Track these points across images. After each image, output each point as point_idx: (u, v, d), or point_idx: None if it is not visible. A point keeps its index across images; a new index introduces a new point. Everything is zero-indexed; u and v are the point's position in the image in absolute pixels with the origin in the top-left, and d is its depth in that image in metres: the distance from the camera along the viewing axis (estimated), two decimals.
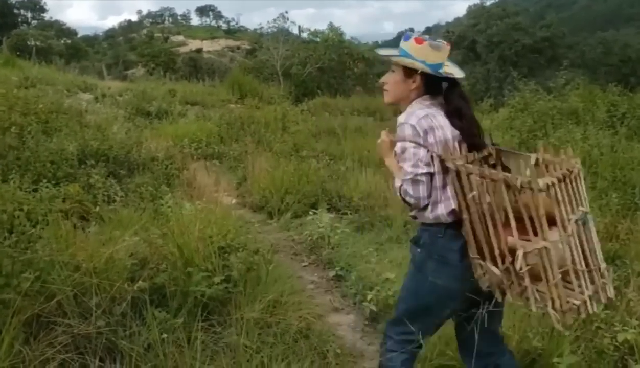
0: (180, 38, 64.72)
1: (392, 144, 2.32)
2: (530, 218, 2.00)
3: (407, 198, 2.21)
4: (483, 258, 2.15)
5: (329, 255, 4.83)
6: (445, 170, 2.21)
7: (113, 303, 3.12)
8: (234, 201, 6.62)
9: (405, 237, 5.29)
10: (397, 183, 2.25)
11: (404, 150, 2.22)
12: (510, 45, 32.38)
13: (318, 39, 25.57)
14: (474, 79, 29.58)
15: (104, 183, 5.55)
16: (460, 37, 33.99)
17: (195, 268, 3.45)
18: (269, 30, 29.39)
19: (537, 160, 2.15)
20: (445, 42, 2.33)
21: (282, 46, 23.89)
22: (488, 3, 39.63)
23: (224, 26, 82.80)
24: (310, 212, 5.58)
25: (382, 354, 2.53)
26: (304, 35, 28.41)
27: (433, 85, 2.33)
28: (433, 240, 2.29)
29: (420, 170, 2.19)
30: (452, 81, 2.34)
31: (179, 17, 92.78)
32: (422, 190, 2.20)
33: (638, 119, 10.61)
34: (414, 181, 2.19)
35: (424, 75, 2.30)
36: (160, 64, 37.31)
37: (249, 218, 5.93)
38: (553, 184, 1.98)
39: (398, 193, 2.26)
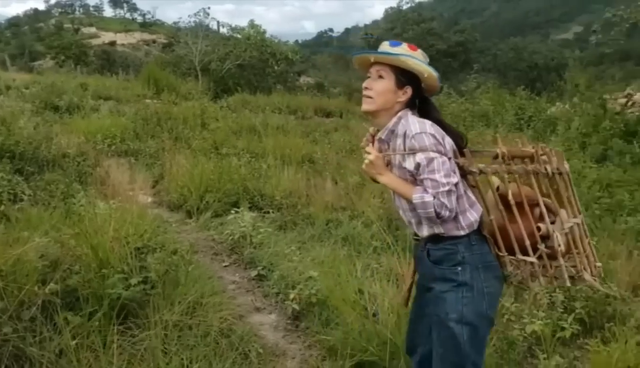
0: (93, 30, 62.01)
1: (384, 158, 2.17)
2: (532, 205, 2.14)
3: (443, 212, 2.02)
4: (513, 253, 2.17)
5: (251, 255, 4.78)
6: (463, 175, 2.14)
7: (21, 307, 2.94)
8: (150, 200, 6.42)
9: (326, 235, 5.33)
10: (428, 198, 2.02)
11: (430, 161, 2.02)
12: (425, 49, 33.28)
13: (239, 36, 25.33)
14: None
15: (10, 180, 5.22)
16: (378, 41, 34.74)
17: (110, 269, 3.31)
18: (188, 24, 28.79)
19: (500, 154, 2.15)
20: None
21: (202, 41, 23.45)
22: (405, 7, 40.71)
23: (139, 19, 79.95)
24: (232, 211, 5.49)
25: None
26: (224, 30, 28.07)
27: (414, 100, 2.20)
28: (471, 250, 2.13)
29: (454, 180, 2.04)
30: (424, 98, 2.23)
31: (91, 8, 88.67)
32: (454, 200, 2.05)
33: (543, 121, 11.28)
34: (449, 192, 2.02)
35: (414, 87, 2.16)
36: (71, 57, 35.62)
37: (167, 218, 5.77)
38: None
39: (431, 209, 2.02)
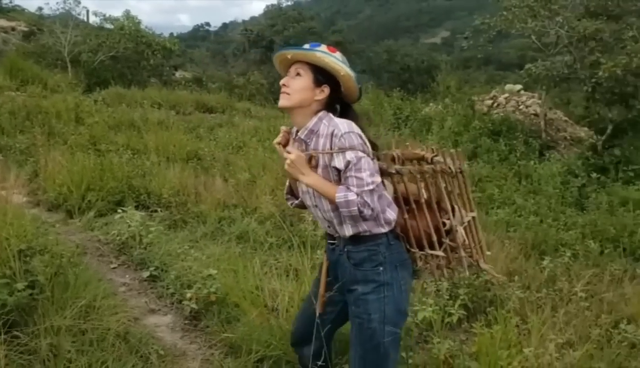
0: None
1: (307, 158, 2.15)
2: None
3: (366, 210, 2.04)
4: (423, 248, 2.26)
5: (141, 255, 4.58)
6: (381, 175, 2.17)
7: None
8: (25, 199, 5.95)
9: (219, 233, 5.26)
10: (351, 196, 2.04)
11: (358, 160, 2.04)
12: None
13: (111, 26, 24.07)
14: (272, 78, 30.35)
15: None
16: (258, 36, 34.66)
17: None
18: (54, 12, 26.86)
19: (395, 157, 2.26)
20: None
21: (72, 31, 21.99)
22: (284, 5, 41.01)
23: None
24: (119, 211, 5.22)
25: None
26: (96, 20, 26.54)
27: (332, 102, 2.22)
28: (390, 250, 2.20)
29: (377, 179, 2.08)
30: (344, 103, 2.26)
31: None
32: (377, 199, 2.08)
33: (419, 121, 11.90)
34: (372, 191, 2.05)
35: (332, 88, 2.19)
36: None
37: (45, 218, 5.37)
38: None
39: (354, 207, 2.04)
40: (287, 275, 3.94)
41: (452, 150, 2.36)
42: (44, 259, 3.44)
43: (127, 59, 22.74)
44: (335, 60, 2.16)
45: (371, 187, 2.05)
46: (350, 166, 2.05)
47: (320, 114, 2.18)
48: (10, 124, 9.05)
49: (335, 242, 2.28)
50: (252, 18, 62.88)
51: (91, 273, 3.87)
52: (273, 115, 15.21)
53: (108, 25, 25.08)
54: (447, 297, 4.02)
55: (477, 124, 11.22)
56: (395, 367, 2.29)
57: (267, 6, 43.04)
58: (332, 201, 2.11)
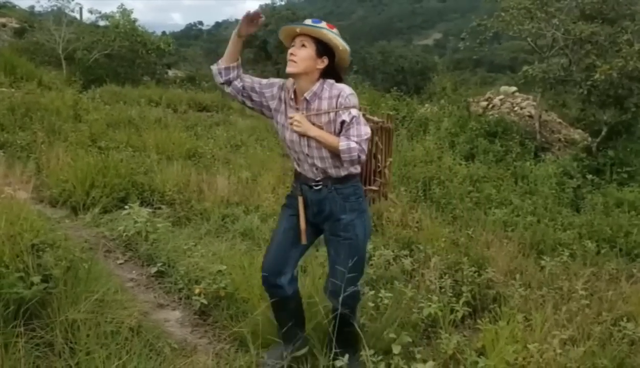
0: None
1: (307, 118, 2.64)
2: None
3: (362, 155, 2.59)
4: (365, 184, 3.02)
5: (148, 251, 4.62)
6: None
7: None
8: (28, 195, 5.95)
9: (223, 230, 5.31)
10: (353, 144, 2.56)
11: (359, 115, 2.61)
12: None
13: (107, 23, 23.97)
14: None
15: None
16: (252, 36, 34.61)
17: (5, 268, 3.07)
18: (46, 9, 26.70)
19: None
20: None
21: (66, 28, 21.90)
22: (278, 4, 40.93)
23: None
24: (126, 207, 5.25)
25: (352, 311, 2.87)
26: (92, 17, 26.38)
27: (329, 72, 2.69)
28: (361, 186, 2.87)
29: (369, 131, 2.63)
30: (337, 75, 2.72)
31: None
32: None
33: (415, 121, 11.98)
34: (366, 140, 2.61)
35: (330, 59, 2.66)
36: None
37: (50, 214, 5.40)
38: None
39: (355, 153, 2.57)
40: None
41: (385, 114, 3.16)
42: (57, 254, 3.48)
43: (122, 57, 22.67)
44: (335, 36, 2.64)
45: (367, 137, 2.61)
46: (353, 120, 2.58)
47: (322, 80, 2.67)
48: (9, 120, 9.03)
49: (321, 182, 2.77)
50: None
51: (101, 268, 3.90)
52: None
53: (103, 23, 24.96)
54: (451, 294, 4.09)
55: (473, 125, 11.32)
56: None
57: (261, 6, 42.91)
58: (334, 149, 2.61)
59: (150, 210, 5.54)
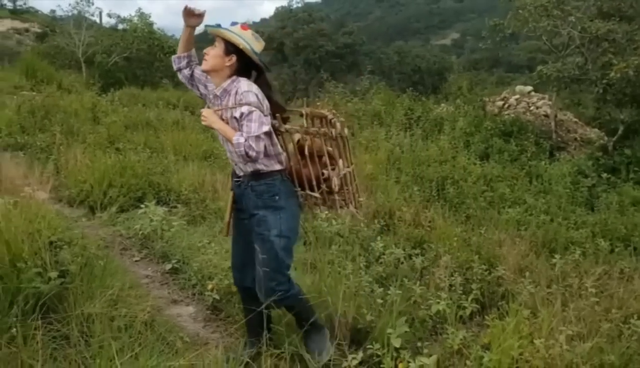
0: None
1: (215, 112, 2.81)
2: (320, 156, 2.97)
3: (250, 152, 2.64)
4: (304, 189, 3.01)
5: (163, 249, 4.73)
6: (275, 132, 2.91)
7: None
8: (47, 196, 6.10)
9: None
10: (241, 139, 2.65)
11: (250, 113, 2.68)
12: (315, 49, 33.97)
13: (126, 27, 24.30)
14: (281, 80, 30.55)
15: None
16: (269, 38, 34.77)
17: (24, 264, 3.19)
18: (66, 13, 27.13)
19: (304, 113, 2.94)
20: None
21: (85, 32, 22.24)
22: (295, 6, 41.05)
23: (9, 5, 74.12)
24: (142, 206, 5.37)
25: (291, 301, 3.01)
26: (112, 21, 26.76)
27: (245, 69, 2.85)
28: (284, 184, 2.92)
29: (264, 129, 2.69)
30: (260, 71, 2.88)
31: None
32: (262, 146, 2.69)
33: (430, 121, 11.98)
34: (257, 138, 2.66)
35: (239, 57, 2.79)
36: None
37: (68, 214, 5.54)
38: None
39: (242, 148, 2.65)
40: (304, 269, 4.07)
41: (341, 119, 2.98)
42: (73, 251, 3.59)
43: (141, 60, 22.92)
44: (235, 36, 2.76)
45: (256, 134, 2.66)
46: (243, 116, 2.69)
47: (233, 77, 2.81)
48: (29, 122, 9.23)
49: (241, 178, 2.93)
50: (263, 20, 63.04)
51: (116, 264, 4.01)
52: None
53: (122, 26, 25.28)
54: (461, 292, 4.13)
55: (488, 125, 11.29)
56: (289, 270, 3.01)
57: (277, 8, 43.13)
58: (231, 142, 2.73)
59: (166, 209, 5.66)
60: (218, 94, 2.84)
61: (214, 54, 2.81)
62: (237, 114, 2.72)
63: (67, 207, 5.96)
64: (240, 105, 2.70)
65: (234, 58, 2.79)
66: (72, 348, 2.87)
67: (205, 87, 2.99)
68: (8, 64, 23.08)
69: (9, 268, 3.14)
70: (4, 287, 3.04)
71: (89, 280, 3.42)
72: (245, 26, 2.85)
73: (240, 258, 3.10)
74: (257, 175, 2.86)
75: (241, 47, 2.76)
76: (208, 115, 2.80)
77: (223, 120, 2.80)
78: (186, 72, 3.03)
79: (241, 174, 2.93)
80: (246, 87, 2.74)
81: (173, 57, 3.04)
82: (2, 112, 9.71)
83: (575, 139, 12.74)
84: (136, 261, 4.70)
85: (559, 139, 12.44)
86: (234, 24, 2.83)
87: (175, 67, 3.04)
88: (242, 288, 3.14)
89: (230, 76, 2.82)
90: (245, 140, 2.64)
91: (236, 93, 2.75)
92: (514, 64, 55.75)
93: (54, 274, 3.16)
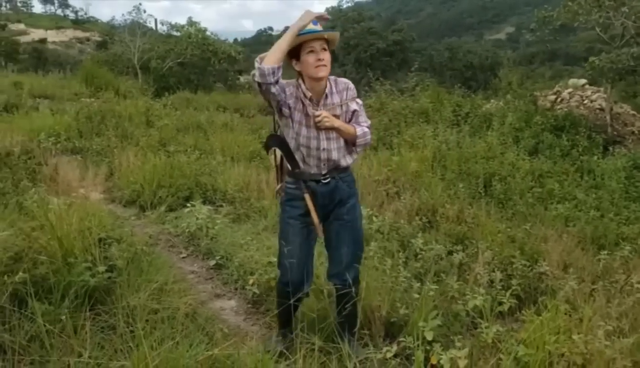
0: (21, 26, 59.60)
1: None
2: None
3: (371, 138, 2.97)
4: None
5: (208, 246, 4.92)
6: None
7: None
8: (101, 196, 6.43)
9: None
10: (366, 129, 2.95)
11: (361, 104, 2.96)
12: (366, 48, 33.99)
13: (178, 33, 25.02)
14: None
15: None
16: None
17: (76, 259, 3.40)
18: (123, 22, 28.20)
19: None
20: None
21: (140, 39, 23.05)
22: (344, 6, 41.20)
23: (72, 16, 77.27)
24: (188, 205, 5.59)
25: (356, 290, 3.09)
26: (163, 28, 27.63)
27: None
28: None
29: None
30: None
31: (19, 4, 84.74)
32: None
33: (479, 117, 11.81)
34: (371, 125, 3.01)
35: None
36: (1, 54, 34.19)
37: (120, 213, 5.82)
38: None
39: (369, 137, 2.96)
40: None
41: None
42: (121, 247, 3.80)
43: (194, 65, 23.57)
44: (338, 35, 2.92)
45: (370, 121, 3.01)
46: (361, 108, 2.96)
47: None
48: (87, 127, 9.69)
49: (328, 176, 2.95)
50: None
51: (163, 260, 4.21)
52: None
53: (175, 33, 26.04)
54: (500, 288, 4.10)
55: (539, 120, 11.04)
56: None
57: (327, 8, 43.29)
58: (351, 137, 2.90)
59: (211, 208, 5.85)
60: (327, 93, 2.87)
61: (329, 59, 2.81)
62: (354, 107, 2.93)
63: (120, 207, 6.25)
64: (354, 99, 2.92)
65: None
66: (118, 338, 3.05)
67: (284, 92, 2.82)
68: (70, 72, 24.19)
69: (61, 264, 3.36)
70: (56, 280, 3.26)
71: (135, 275, 3.61)
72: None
73: (303, 265, 3.06)
74: (346, 168, 3.01)
75: (337, 43, 2.91)
76: (329, 117, 2.81)
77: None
78: (281, 82, 2.79)
79: (324, 171, 2.93)
80: (348, 81, 2.95)
81: (270, 68, 2.66)
82: (62, 118, 10.23)
83: (633, 132, 12.29)
84: (183, 258, 4.90)
85: (615, 133, 12.03)
86: (316, 23, 2.78)
87: (273, 79, 2.69)
88: (299, 287, 3.07)
89: None
90: (369, 129, 2.96)
91: (347, 89, 2.91)
92: (571, 56, 54.12)
93: (101, 268, 3.36)
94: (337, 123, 2.84)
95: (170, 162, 7.01)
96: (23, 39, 49.74)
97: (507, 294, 3.95)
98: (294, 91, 2.87)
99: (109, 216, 4.72)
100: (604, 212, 6.97)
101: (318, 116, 2.79)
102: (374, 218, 5.44)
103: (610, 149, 10.65)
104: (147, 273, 3.67)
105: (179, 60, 22.79)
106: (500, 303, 3.89)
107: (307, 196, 2.92)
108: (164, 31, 28.15)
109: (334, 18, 38.15)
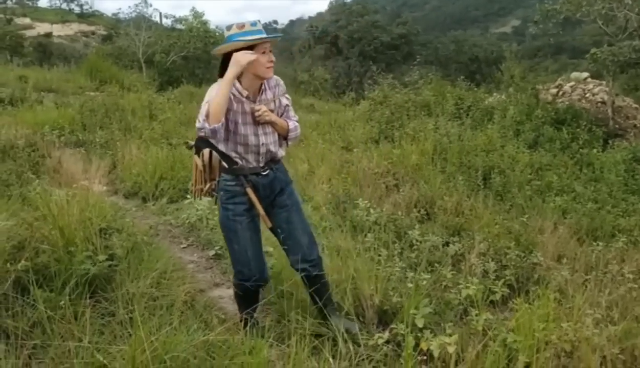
0: (27, 20, 59.62)
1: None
2: None
3: (299, 133, 3.21)
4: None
5: (208, 236, 5.01)
6: None
7: None
8: (104, 188, 6.53)
9: None
10: (297, 124, 3.14)
11: (289, 99, 3.15)
12: (370, 41, 33.88)
13: (182, 27, 25.08)
14: (336, 73, 30.69)
15: None
16: (323, 32, 34.99)
17: (77, 248, 3.50)
18: (128, 15, 28.29)
19: None
20: None
21: (145, 33, 23.13)
22: (348, 0, 41.14)
23: (77, 10, 77.21)
24: (188, 196, 5.68)
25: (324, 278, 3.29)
26: (168, 22, 27.69)
27: None
28: None
29: None
30: None
31: None
32: None
33: (481, 111, 11.84)
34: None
35: None
36: (6, 48, 34.25)
37: (123, 204, 5.92)
38: None
39: (299, 131, 3.16)
40: (338, 254, 4.23)
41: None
42: (122, 237, 3.90)
43: (198, 58, 23.59)
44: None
45: (297, 117, 3.20)
46: (290, 103, 3.14)
47: None
48: (91, 120, 9.79)
49: (266, 167, 3.07)
50: (318, 14, 63.10)
51: (163, 250, 4.30)
52: (335, 110, 15.50)
53: (179, 27, 26.09)
54: (494, 278, 4.18)
55: (540, 113, 11.06)
56: None
57: (331, 2, 43.24)
58: (284, 131, 3.08)
59: (211, 199, 5.93)
60: (262, 90, 2.99)
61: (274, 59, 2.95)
62: (285, 102, 3.09)
63: (122, 198, 6.36)
64: (283, 94, 3.08)
65: None
66: (117, 324, 3.14)
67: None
68: (75, 65, 24.29)
69: (63, 253, 3.46)
70: (58, 269, 3.36)
71: (135, 263, 3.71)
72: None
73: (259, 257, 3.18)
74: (279, 159, 3.17)
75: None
76: (268, 111, 2.96)
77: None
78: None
79: (262, 164, 3.05)
80: (278, 77, 3.09)
81: (216, 127, 2.77)
82: (66, 111, 10.32)
83: (635, 125, 12.30)
84: (183, 248, 4.99)
85: (617, 126, 12.05)
86: (254, 24, 2.90)
87: (220, 134, 2.85)
88: (261, 278, 3.19)
89: None
90: (297, 123, 3.16)
91: (277, 85, 3.05)
92: (577, 49, 53.83)
93: (102, 257, 3.45)
94: (274, 117, 3.01)
95: (172, 154, 7.10)
96: (28, 33, 49.76)
97: (500, 284, 4.03)
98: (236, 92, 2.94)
99: (111, 207, 4.81)
100: (601, 204, 7.03)
101: (258, 110, 2.92)
102: (372, 210, 5.52)
103: (611, 142, 10.67)
104: (147, 262, 3.76)
105: (182, 54, 22.86)
106: (493, 293, 3.97)
107: (249, 190, 3.00)
108: (168, 24, 28.25)
109: (337, 12, 38.12)
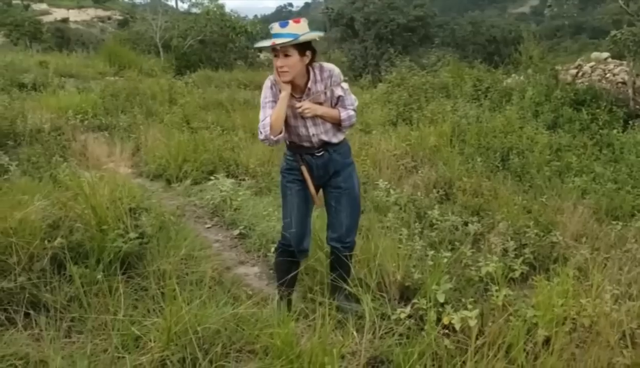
0: (44, 6, 59.99)
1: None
2: None
3: (356, 119, 3.27)
4: None
5: (232, 217, 5.14)
6: None
7: (32, 261, 3.25)
8: (129, 171, 6.68)
9: None
10: (351, 112, 3.19)
11: (347, 87, 3.20)
12: (386, 23, 33.52)
13: (198, 11, 25.10)
14: (352, 56, 30.48)
15: None
16: (339, 15, 34.70)
17: (109, 227, 3.63)
18: (144, 0, 28.38)
19: None
20: None
21: (162, 17, 23.20)
22: None
23: None
24: (212, 178, 5.81)
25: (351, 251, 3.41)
26: (185, 6, 27.71)
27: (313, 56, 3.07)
28: (348, 144, 3.42)
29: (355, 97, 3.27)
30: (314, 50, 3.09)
31: None
32: None
33: (499, 92, 11.78)
34: (356, 105, 3.26)
35: (311, 48, 3.01)
36: (26, 34, 34.59)
37: (148, 186, 6.06)
38: None
39: (354, 119, 3.23)
40: (360, 234, 4.32)
41: None
42: (150, 216, 4.03)
43: (215, 42, 23.59)
44: (309, 35, 2.97)
45: (357, 102, 3.27)
46: (345, 92, 3.16)
47: (309, 68, 3.06)
48: (113, 105, 9.94)
49: (322, 150, 3.20)
50: None
51: (189, 229, 4.44)
52: (352, 92, 15.46)
53: (195, 10, 26.09)
54: (513, 256, 4.25)
55: (559, 94, 10.99)
56: None
57: None
58: (335, 120, 3.15)
59: (234, 181, 6.07)
60: (309, 86, 3.08)
61: (293, 62, 2.95)
62: (339, 93, 3.13)
63: (147, 180, 6.50)
64: (338, 85, 3.11)
65: (309, 53, 3.01)
66: (150, 299, 3.28)
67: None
68: (93, 51, 24.49)
69: (96, 231, 3.59)
70: (91, 246, 3.50)
71: (164, 242, 3.84)
72: (297, 19, 3.00)
73: (302, 224, 3.32)
74: (336, 143, 3.24)
75: (318, 40, 3.05)
76: (311, 107, 3.06)
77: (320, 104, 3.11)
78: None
79: (319, 145, 3.20)
80: (336, 69, 3.13)
81: (280, 137, 3.13)
82: (88, 96, 10.48)
83: None
84: (208, 228, 5.12)
85: (638, 107, 11.92)
86: (284, 24, 2.95)
87: (281, 141, 3.20)
88: (299, 242, 3.33)
89: (306, 69, 3.05)
90: (354, 111, 3.20)
91: (330, 77, 3.09)
92: (598, 29, 52.91)
93: (133, 235, 3.59)
94: (320, 111, 3.10)
95: (194, 138, 7.23)
96: (46, 18, 50.17)
97: (519, 261, 4.10)
98: (276, 92, 3.09)
99: (138, 188, 4.95)
100: (621, 184, 7.02)
101: (299, 108, 3.05)
102: (392, 191, 5.59)
103: (632, 122, 10.58)
104: (175, 241, 3.90)
105: (199, 38, 22.90)
106: (513, 270, 4.04)
107: (303, 168, 3.21)
108: (184, 8, 28.28)
109: None
